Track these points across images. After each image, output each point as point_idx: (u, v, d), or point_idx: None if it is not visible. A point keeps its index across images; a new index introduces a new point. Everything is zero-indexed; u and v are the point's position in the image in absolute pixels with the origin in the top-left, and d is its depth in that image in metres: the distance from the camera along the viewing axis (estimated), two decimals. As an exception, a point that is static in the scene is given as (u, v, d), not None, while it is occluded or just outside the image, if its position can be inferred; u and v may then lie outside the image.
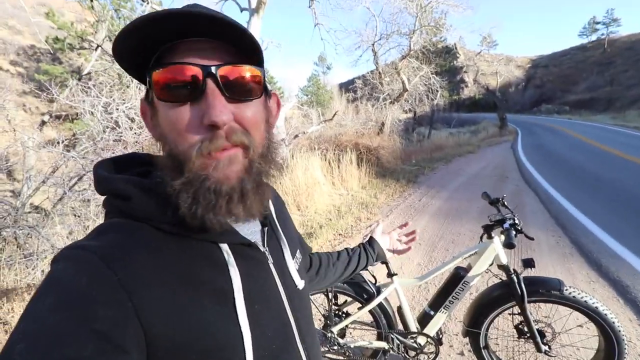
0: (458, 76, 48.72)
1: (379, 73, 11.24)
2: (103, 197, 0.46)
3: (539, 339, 1.50)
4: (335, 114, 7.64)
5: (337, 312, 1.72)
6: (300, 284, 0.60)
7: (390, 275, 1.61)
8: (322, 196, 4.96)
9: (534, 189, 5.62)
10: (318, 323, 1.99)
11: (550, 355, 1.53)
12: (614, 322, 1.39)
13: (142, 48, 0.41)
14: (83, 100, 4.00)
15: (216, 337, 0.42)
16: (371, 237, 1.05)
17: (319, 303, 1.71)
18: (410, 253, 3.31)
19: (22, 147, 3.61)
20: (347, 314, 1.71)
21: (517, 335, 1.60)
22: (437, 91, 12.41)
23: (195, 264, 0.44)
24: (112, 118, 3.65)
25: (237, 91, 0.43)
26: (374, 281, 1.66)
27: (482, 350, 1.61)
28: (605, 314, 1.39)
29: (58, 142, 3.15)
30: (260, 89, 0.46)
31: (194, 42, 0.42)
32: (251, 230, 0.53)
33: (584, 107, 29.91)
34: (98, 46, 6.19)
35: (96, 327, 0.33)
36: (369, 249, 1.01)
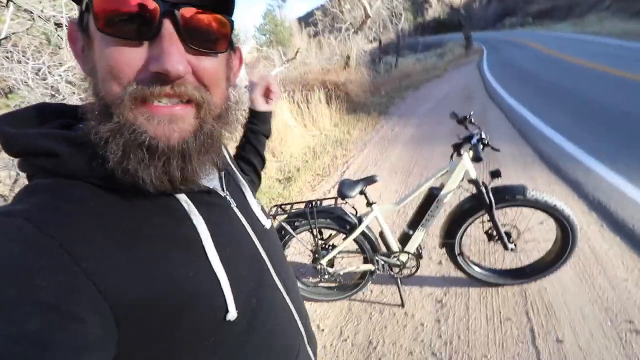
0: (421, -5, 46.09)
1: (338, 0, 10.39)
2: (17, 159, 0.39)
3: (506, 239, 1.67)
4: (297, 52, 7.19)
5: (323, 245, 1.81)
6: (267, 223, 0.60)
7: (369, 204, 1.68)
8: (296, 139, 4.89)
9: (498, 104, 5.78)
10: (307, 259, 2.11)
11: (515, 251, 1.72)
12: (569, 215, 1.55)
13: None
14: (10, 69, 3.49)
15: (190, 286, 0.40)
16: (250, 110, 0.87)
17: (305, 241, 1.79)
18: (387, 182, 3.44)
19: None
20: (334, 246, 1.81)
21: (487, 240, 1.77)
22: (401, 15, 11.77)
23: (150, 217, 0.40)
24: (48, 85, 3.25)
25: (199, 40, 0.36)
26: (354, 212, 1.73)
27: (457, 257, 1.78)
28: (562, 209, 1.54)
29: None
30: (227, 42, 0.40)
31: None
32: (208, 178, 0.50)
33: (546, 16, 29.60)
34: (8, 1, 5.23)
35: (39, 298, 0.29)
36: (257, 123, 0.86)
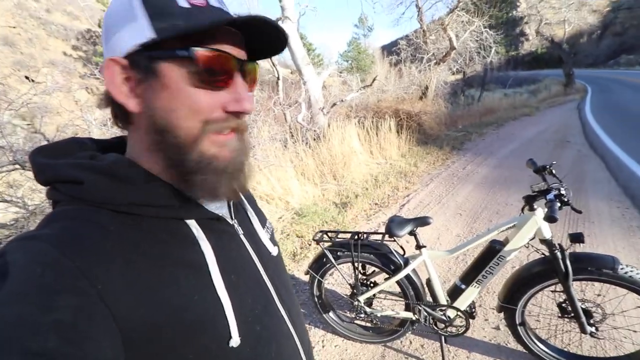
0: (517, 28, 43.11)
1: (423, 31, 10.31)
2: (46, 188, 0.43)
3: (584, 319, 1.37)
4: (374, 79, 7.26)
5: (364, 281, 1.72)
6: (273, 250, 0.61)
7: (418, 247, 1.56)
8: (359, 165, 4.88)
9: (601, 155, 4.97)
10: (346, 291, 2.03)
11: (596, 337, 1.40)
12: (679, 306, 1.21)
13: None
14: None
15: (196, 310, 0.41)
16: None
17: (346, 273, 1.73)
18: (450, 223, 3.18)
19: (87, 125, 3.99)
20: (375, 284, 1.71)
21: (559, 314, 1.48)
22: (491, 47, 11.10)
23: (162, 242, 0.42)
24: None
25: (250, 84, 0.47)
26: (402, 252, 1.62)
27: (518, 327, 1.52)
28: (670, 297, 1.22)
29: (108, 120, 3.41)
30: (257, 81, 0.51)
31: (229, 32, 0.43)
32: (217, 205, 0.53)
33: (678, 55, 25.03)
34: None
35: (58, 317, 0.31)
36: None
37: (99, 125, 3.89)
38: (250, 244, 0.55)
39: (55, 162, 0.42)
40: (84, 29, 17.09)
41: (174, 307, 0.39)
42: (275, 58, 6.07)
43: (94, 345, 0.32)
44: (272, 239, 0.64)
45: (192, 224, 0.46)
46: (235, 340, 0.44)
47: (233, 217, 0.55)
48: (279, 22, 5.40)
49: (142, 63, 0.40)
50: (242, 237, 0.55)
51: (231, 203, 0.56)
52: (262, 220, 0.65)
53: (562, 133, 6.83)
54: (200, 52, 0.40)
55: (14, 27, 15.10)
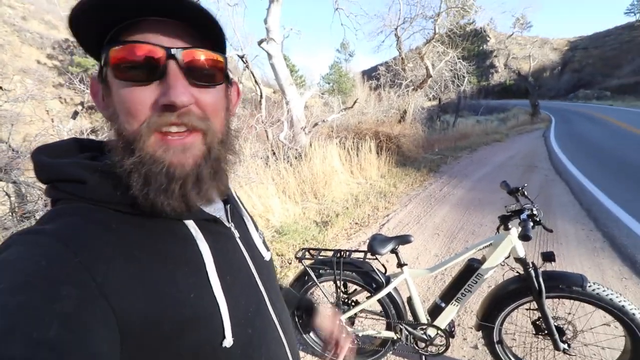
0: (487, 61, 46.27)
1: (402, 59, 10.86)
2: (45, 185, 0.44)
3: (557, 336, 1.42)
4: (355, 102, 7.49)
5: (346, 300, 1.71)
6: (267, 255, 0.63)
7: (400, 265, 1.58)
8: (340, 185, 4.93)
9: (566, 180, 5.30)
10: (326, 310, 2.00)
11: (569, 354, 1.45)
12: (642, 323, 1.29)
13: (98, 23, 0.39)
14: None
15: (192, 308, 0.42)
16: (315, 307, 0.90)
17: (327, 291, 1.71)
18: (428, 243, 3.24)
19: (58, 136, 3.82)
20: (357, 303, 1.70)
21: (534, 332, 1.52)
22: (464, 77, 11.84)
23: (161, 240, 0.43)
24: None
25: (199, 76, 0.43)
26: (383, 271, 1.63)
27: (496, 345, 1.55)
28: (634, 314, 1.29)
29: (84, 131, 3.29)
30: (222, 75, 0.46)
31: (156, 22, 0.40)
32: (215, 208, 0.54)
33: (628, 92, 27.52)
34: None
35: (60, 307, 0.32)
36: (305, 301, 0.92)
37: (74, 136, 3.75)
38: (245, 247, 0.56)
39: (58, 162, 0.43)
40: (62, 38, 16.67)
41: (171, 303, 0.40)
42: (258, 77, 6.16)
43: (93, 335, 0.33)
44: (265, 244, 0.65)
45: (191, 224, 0.47)
46: (228, 341, 0.45)
47: (230, 220, 0.56)
48: (264, 43, 5.53)
49: (101, 74, 0.44)
50: (238, 240, 0.55)
51: (228, 206, 0.57)
52: (255, 224, 0.66)
53: (530, 159, 7.25)
54: (114, 48, 0.39)
55: (-16, 33, 14.53)
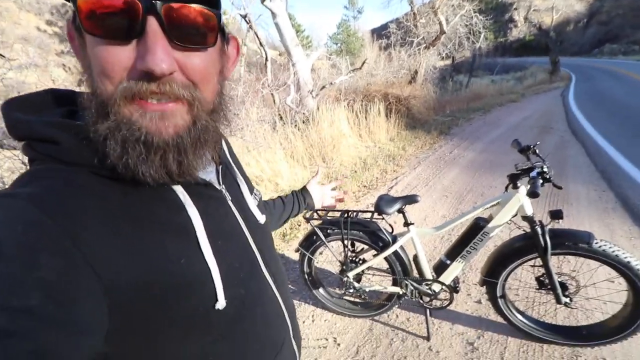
0: (506, 14, 43.05)
1: (414, 14, 10.18)
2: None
3: (559, 291, 1.45)
4: (364, 63, 7.19)
5: (353, 258, 1.76)
6: (261, 218, 0.61)
7: (406, 224, 1.60)
8: (348, 148, 4.89)
9: (581, 141, 5.13)
10: (336, 269, 2.08)
11: (570, 307, 1.49)
12: (646, 277, 1.30)
13: None
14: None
15: (183, 273, 0.41)
16: (304, 187, 1.03)
17: (336, 250, 1.76)
18: (436, 205, 3.25)
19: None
20: (364, 260, 1.76)
21: (537, 287, 1.56)
22: (480, 33, 11.08)
23: (148, 206, 0.41)
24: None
25: (185, 36, 0.36)
26: (390, 230, 1.66)
27: (499, 300, 1.60)
28: (638, 269, 1.30)
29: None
30: (215, 36, 0.40)
31: None
32: (205, 170, 0.51)
33: (659, 45, 25.67)
34: None
35: (41, 275, 0.30)
36: (301, 197, 0.99)
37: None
38: (238, 210, 0.55)
39: (28, 119, 0.39)
40: (59, 3, 16.07)
41: (160, 270, 0.39)
42: (263, 39, 5.91)
43: (78, 305, 0.31)
44: (260, 207, 0.64)
45: (178, 189, 0.45)
46: (221, 303, 0.44)
47: (221, 183, 0.54)
48: (267, 1, 5.24)
49: (75, 21, 0.38)
50: (229, 202, 0.54)
51: (219, 168, 0.55)
52: (250, 187, 0.65)
53: (546, 119, 6.99)
54: None
55: (-19, -1, 14.11)
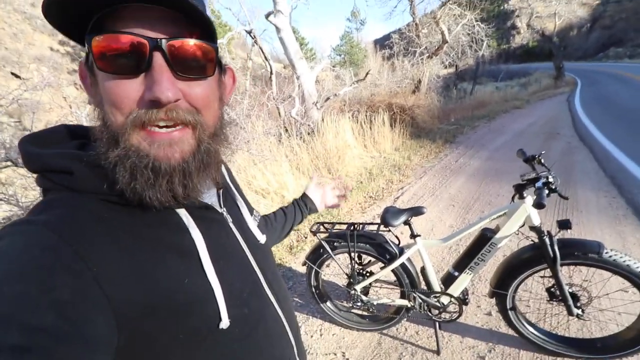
0: (508, 22, 43.33)
1: (416, 24, 10.31)
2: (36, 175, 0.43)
3: (571, 302, 1.43)
4: (367, 73, 7.27)
5: (360, 271, 1.76)
6: (262, 238, 0.63)
7: (413, 236, 1.60)
8: (353, 159, 4.91)
9: (589, 146, 5.07)
10: (343, 282, 2.07)
11: (583, 319, 1.46)
12: (660, 288, 1.28)
13: (75, 10, 0.37)
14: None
15: (187, 293, 0.43)
16: (304, 193, 1.02)
17: (343, 263, 1.76)
18: (443, 215, 3.23)
19: (77, 122, 3.93)
20: (371, 273, 1.75)
21: (548, 298, 1.54)
22: (483, 41, 11.13)
23: (153, 229, 0.44)
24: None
25: (187, 68, 0.41)
26: (397, 242, 1.66)
27: (509, 312, 1.58)
28: (651, 279, 1.28)
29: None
30: (213, 67, 0.44)
31: (140, 8, 0.38)
32: (207, 194, 0.54)
33: (665, 47, 25.45)
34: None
35: (56, 296, 0.32)
36: (302, 204, 0.98)
37: (91, 121, 3.84)
38: (239, 231, 0.57)
39: (44, 152, 0.42)
40: (71, 24, 16.64)
41: (165, 290, 0.41)
42: (267, 52, 6.04)
43: (89, 324, 0.34)
44: (261, 227, 0.66)
45: (182, 212, 0.47)
46: (225, 323, 0.46)
47: (222, 206, 0.56)
48: (271, 16, 5.37)
49: (87, 61, 0.43)
50: (230, 224, 0.56)
51: (220, 192, 0.57)
52: (250, 208, 0.67)
53: (552, 125, 6.94)
54: (96, 38, 0.37)
55: (-2, 22, 14.69)
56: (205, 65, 0.43)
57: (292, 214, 0.95)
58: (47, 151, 0.42)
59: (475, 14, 10.21)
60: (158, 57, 0.38)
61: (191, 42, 0.41)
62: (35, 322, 0.30)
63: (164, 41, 0.38)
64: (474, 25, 10.38)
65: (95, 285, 0.36)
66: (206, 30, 0.42)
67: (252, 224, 0.63)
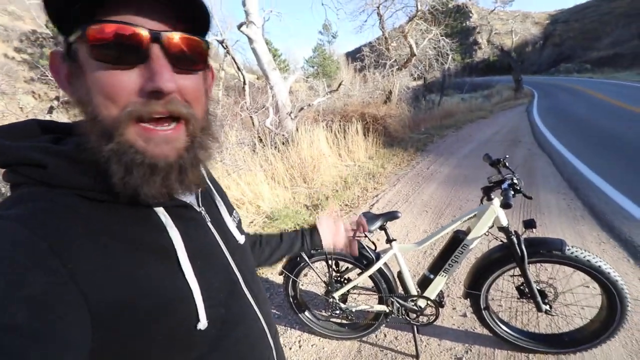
0: (471, 37, 46.12)
1: (385, 38, 10.73)
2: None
3: (539, 298, 1.49)
4: (340, 85, 7.42)
5: (338, 278, 1.75)
6: (240, 239, 0.62)
7: (389, 241, 1.61)
8: (329, 168, 4.94)
9: (548, 153, 5.43)
10: (321, 290, 2.04)
11: (550, 315, 1.53)
12: (616, 281, 1.36)
13: None
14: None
15: (164, 293, 0.42)
16: (314, 225, 0.95)
17: (319, 270, 1.74)
18: (417, 220, 3.31)
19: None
20: (348, 280, 1.74)
21: (518, 296, 1.60)
22: (448, 55, 11.79)
23: (130, 227, 0.42)
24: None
25: (181, 61, 0.41)
26: (373, 247, 1.67)
27: (483, 311, 1.62)
28: (608, 273, 1.37)
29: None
30: (205, 60, 0.45)
31: (141, 1, 0.38)
32: (186, 193, 0.52)
33: (607, 64, 28.03)
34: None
35: (28, 293, 0.31)
36: (306, 236, 0.91)
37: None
38: (217, 231, 0.56)
39: (16, 145, 0.40)
40: (29, 30, 15.78)
41: (142, 290, 0.40)
42: (240, 63, 6.01)
43: (63, 322, 0.32)
44: (240, 227, 0.65)
45: (160, 211, 0.46)
46: (202, 323, 0.45)
47: (200, 205, 0.55)
48: (244, 27, 5.37)
49: (68, 52, 0.40)
50: (209, 224, 0.55)
51: (199, 191, 0.56)
52: (230, 208, 0.66)
53: (514, 134, 7.38)
54: (93, 27, 0.36)
55: (-55, 27, 13.64)
56: (198, 59, 0.43)
57: (288, 243, 0.89)
58: (20, 144, 0.40)
59: (440, 29, 10.80)
60: (156, 49, 0.38)
61: (187, 36, 0.41)
62: (5, 320, 0.29)
63: (162, 33, 0.39)
64: (439, 40, 10.97)
65: (71, 282, 0.34)
66: (200, 23, 0.43)
67: (231, 224, 0.62)
